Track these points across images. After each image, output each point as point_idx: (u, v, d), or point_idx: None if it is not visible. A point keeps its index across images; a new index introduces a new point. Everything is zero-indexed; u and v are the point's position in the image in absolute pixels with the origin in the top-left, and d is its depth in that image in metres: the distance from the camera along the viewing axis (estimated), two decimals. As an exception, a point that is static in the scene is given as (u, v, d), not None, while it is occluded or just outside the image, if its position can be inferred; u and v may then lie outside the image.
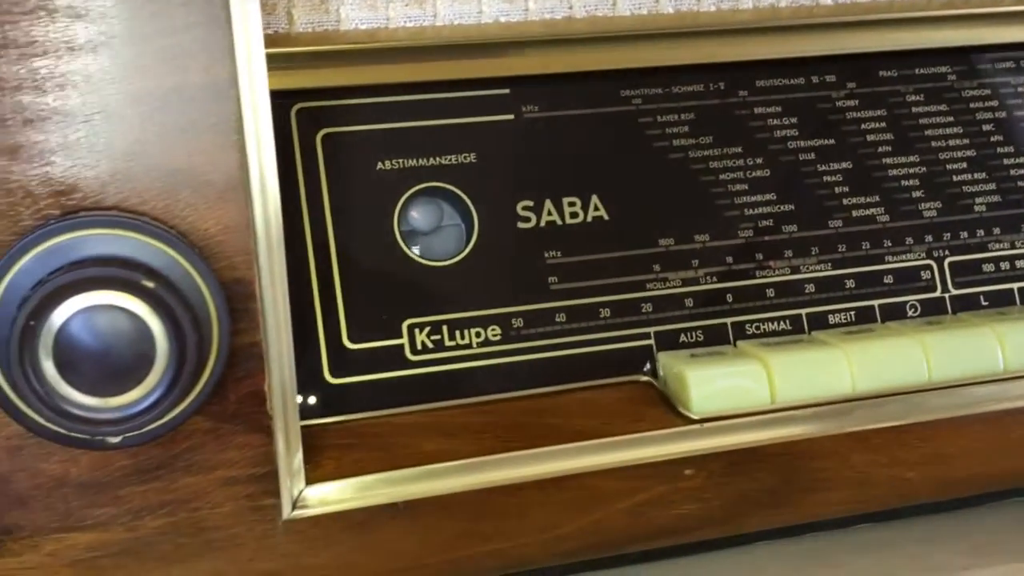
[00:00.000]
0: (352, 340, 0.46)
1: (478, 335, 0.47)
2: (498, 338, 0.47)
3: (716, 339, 0.49)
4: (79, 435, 0.35)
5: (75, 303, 0.32)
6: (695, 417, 0.45)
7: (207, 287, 0.35)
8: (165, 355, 0.34)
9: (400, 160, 0.47)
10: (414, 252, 0.47)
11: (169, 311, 0.33)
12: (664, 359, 0.48)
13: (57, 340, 0.32)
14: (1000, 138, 0.54)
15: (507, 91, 0.49)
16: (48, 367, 0.33)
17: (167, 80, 0.36)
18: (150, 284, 0.33)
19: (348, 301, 0.46)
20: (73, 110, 0.35)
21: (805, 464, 0.45)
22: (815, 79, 0.53)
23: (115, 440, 0.35)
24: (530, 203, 0.49)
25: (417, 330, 0.46)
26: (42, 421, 0.35)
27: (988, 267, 0.53)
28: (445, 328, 0.47)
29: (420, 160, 0.48)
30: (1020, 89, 0.55)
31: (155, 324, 0.33)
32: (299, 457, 0.40)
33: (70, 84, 0.35)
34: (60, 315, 0.32)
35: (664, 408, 0.46)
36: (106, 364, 0.33)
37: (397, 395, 0.46)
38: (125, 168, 0.36)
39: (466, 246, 0.48)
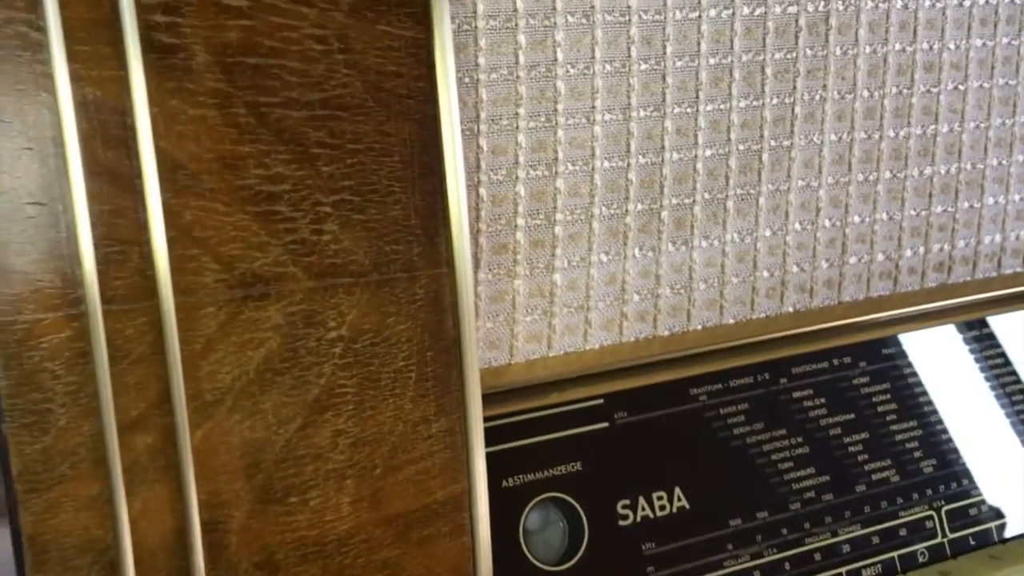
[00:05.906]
0: (493, 652, 0.51)
1: (597, 630, 0.53)
2: (613, 630, 0.53)
3: (781, 605, 0.57)
4: None
5: None
6: None
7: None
8: None
9: (520, 476, 0.53)
10: (537, 560, 0.53)
11: None
12: (750, 635, 0.55)
13: None
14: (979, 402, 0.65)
15: (601, 401, 0.56)
16: None
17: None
18: None
19: (488, 616, 0.51)
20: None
21: None
22: (835, 362, 0.62)
23: None
24: (627, 501, 0.55)
25: (547, 633, 0.52)
26: None
27: (973, 511, 0.63)
28: (570, 628, 0.53)
29: (536, 473, 0.53)
30: (987, 362, 0.66)
31: None
32: None
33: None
34: None
35: None
36: None
37: None
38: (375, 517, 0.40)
39: (580, 548, 0.54)
